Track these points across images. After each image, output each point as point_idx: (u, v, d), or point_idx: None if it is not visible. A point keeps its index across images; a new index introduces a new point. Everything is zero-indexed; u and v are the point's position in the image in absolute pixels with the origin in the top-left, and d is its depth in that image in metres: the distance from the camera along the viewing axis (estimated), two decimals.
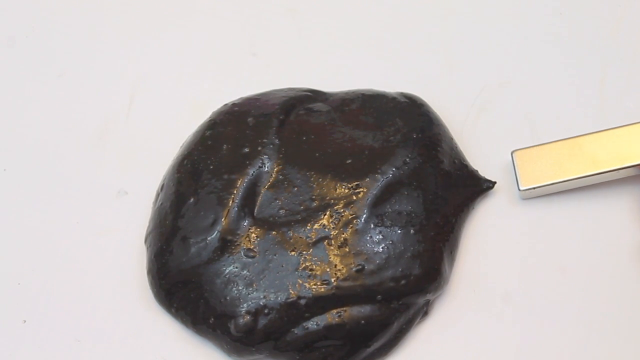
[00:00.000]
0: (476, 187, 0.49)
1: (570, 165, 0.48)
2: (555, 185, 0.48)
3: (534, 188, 0.48)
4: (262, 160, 0.48)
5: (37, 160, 0.51)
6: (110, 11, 0.55)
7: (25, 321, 0.48)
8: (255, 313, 0.46)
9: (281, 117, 0.49)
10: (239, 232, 0.47)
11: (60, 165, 0.51)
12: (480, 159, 0.50)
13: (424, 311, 0.47)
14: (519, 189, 0.49)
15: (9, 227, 0.50)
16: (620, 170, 0.48)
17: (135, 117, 0.52)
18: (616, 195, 0.49)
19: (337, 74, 0.52)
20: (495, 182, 0.49)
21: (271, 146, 0.49)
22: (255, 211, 0.47)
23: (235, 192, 0.48)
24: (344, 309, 0.46)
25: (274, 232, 0.47)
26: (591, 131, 0.49)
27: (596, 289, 0.47)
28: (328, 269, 0.46)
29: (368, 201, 0.47)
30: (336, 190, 0.48)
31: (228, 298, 0.46)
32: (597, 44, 0.52)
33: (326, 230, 0.47)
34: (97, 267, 0.49)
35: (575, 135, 0.49)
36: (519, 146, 0.49)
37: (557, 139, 0.49)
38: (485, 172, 0.50)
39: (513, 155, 0.49)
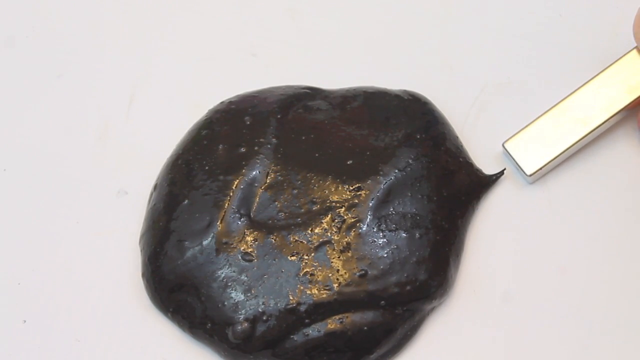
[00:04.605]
0: (481, 184, 0.48)
1: (563, 134, 0.47)
2: (559, 157, 0.47)
3: (540, 168, 0.47)
4: (259, 160, 0.46)
5: (37, 160, 0.50)
6: (110, 11, 0.53)
7: (25, 321, 0.46)
8: (254, 320, 0.44)
9: (279, 116, 0.48)
10: (235, 235, 0.45)
11: (60, 165, 0.50)
12: (481, 159, 0.49)
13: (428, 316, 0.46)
14: (527, 175, 0.47)
15: (9, 227, 0.48)
16: (610, 119, 0.47)
17: (135, 117, 0.51)
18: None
19: (337, 74, 0.51)
20: (504, 168, 0.48)
21: (269, 146, 0.47)
22: (253, 214, 0.45)
23: (231, 194, 0.46)
24: (346, 315, 0.44)
25: (273, 236, 0.45)
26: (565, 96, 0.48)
27: (596, 288, 0.46)
28: (330, 275, 0.44)
29: (371, 204, 0.45)
30: (337, 192, 0.45)
31: (226, 304, 0.44)
32: (597, 44, 0.51)
33: (328, 234, 0.45)
34: (96, 267, 0.47)
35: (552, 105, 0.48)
36: None
37: (539, 115, 0.48)
38: (485, 172, 0.48)
39: (505, 146, 0.47)
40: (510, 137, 0.48)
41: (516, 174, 0.48)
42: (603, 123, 0.47)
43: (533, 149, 0.47)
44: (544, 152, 0.47)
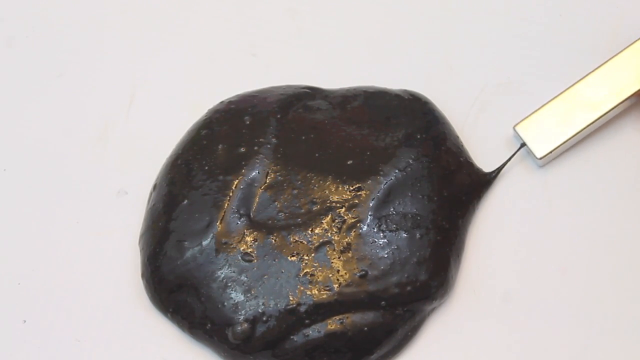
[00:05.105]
0: (482, 184, 0.47)
1: (574, 118, 0.47)
2: (568, 141, 0.47)
3: (550, 152, 0.47)
4: (259, 160, 0.46)
5: (37, 160, 0.49)
6: (111, 11, 0.53)
7: (25, 321, 0.46)
8: (254, 320, 0.43)
9: (279, 116, 0.47)
10: (235, 235, 0.45)
11: (60, 165, 0.49)
12: (481, 158, 0.48)
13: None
14: (537, 158, 0.47)
15: (9, 227, 0.48)
16: (620, 105, 0.47)
17: (135, 117, 0.50)
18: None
19: (337, 74, 0.50)
20: (519, 149, 0.48)
21: (268, 146, 0.46)
22: (253, 214, 0.45)
23: (231, 194, 0.45)
24: (346, 315, 0.43)
25: (273, 236, 0.44)
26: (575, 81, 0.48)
27: (597, 288, 0.46)
28: (330, 275, 0.44)
29: (371, 204, 0.45)
30: (338, 192, 0.45)
31: (225, 304, 0.44)
32: (597, 45, 0.51)
33: (328, 234, 0.44)
34: (96, 267, 0.47)
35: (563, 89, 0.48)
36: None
37: (551, 98, 0.48)
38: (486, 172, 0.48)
39: (516, 129, 0.47)
40: (522, 120, 0.48)
41: (517, 173, 0.48)
42: (612, 109, 0.47)
43: (544, 132, 0.47)
44: (555, 136, 0.47)
